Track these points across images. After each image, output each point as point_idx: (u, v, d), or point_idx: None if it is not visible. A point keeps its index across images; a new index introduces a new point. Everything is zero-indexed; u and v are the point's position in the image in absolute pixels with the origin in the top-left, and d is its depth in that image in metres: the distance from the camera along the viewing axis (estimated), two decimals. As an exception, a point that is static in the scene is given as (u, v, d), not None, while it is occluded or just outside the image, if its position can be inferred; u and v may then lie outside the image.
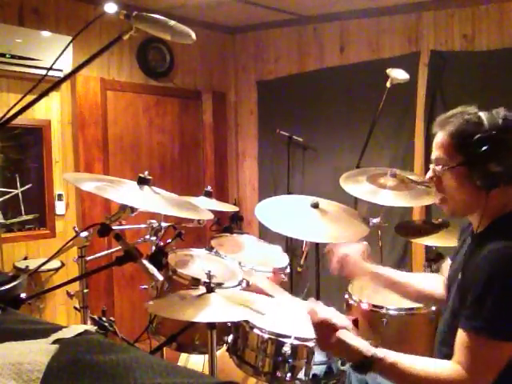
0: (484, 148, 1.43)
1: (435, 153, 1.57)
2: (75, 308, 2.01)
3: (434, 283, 1.89)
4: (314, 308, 1.57)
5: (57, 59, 1.45)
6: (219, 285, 2.18)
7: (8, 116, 1.27)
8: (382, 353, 1.45)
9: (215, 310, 1.84)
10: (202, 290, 1.97)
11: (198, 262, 2.49)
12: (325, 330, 1.52)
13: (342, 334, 1.50)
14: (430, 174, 1.60)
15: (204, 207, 2.30)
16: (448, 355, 1.46)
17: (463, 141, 1.47)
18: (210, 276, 1.96)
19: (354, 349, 1.47)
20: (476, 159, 1.45)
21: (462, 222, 1.77)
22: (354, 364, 1.48)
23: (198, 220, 2.58)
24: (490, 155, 1.43)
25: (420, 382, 1.42)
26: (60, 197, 3.92)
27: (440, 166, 1.55)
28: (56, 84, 1.39)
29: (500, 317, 1.36)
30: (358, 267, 1.93)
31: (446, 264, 1.87)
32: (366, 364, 1.45)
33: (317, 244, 3.24)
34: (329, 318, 1.53)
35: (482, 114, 1.48)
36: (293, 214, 2.41)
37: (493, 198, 1.48)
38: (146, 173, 2.01)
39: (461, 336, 1.40)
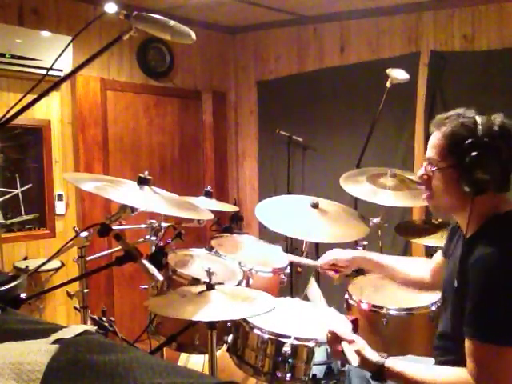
0: (474, 154, 1.41)
1: (428, 152, 1.57)
2: (75, 308, 2.01)
3: (422, 269, 1.94)
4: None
5: (57, 59, 1.45)
6: (219, 284, 2.17)
7: (8, 116, 1.27)
8: (390, 363, 1.50)
9: (216, 307, 1.84)
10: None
11: (197, 262, 2.49)
12: (332, 340, 1.64)
13: (346, 347, 1.58)
14: (421, 171, 1.60)
15: (204, 207, 2.30)
16: (447, 354, 1.46)
17: (455, 144, 1.46)
18: (210, 273, 1.95)
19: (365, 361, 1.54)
20: (465, 164, 1.43)
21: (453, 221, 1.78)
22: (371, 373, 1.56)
23: (198, 220, 2.57)
24: (478, 162, 1.41)
25: None
26: (60, 197, 3.92)
27: (431, 166, 1.55)
28: (56, 84, 1.39)
29: (503, 322, 1.34)
30: (349, 261, 2.10)
31: (438, 255, 1.90)
32: (377, 373, 1.52)
33: (317, 244, 3.24)
34: (335, 330, 1.63)
35: (479, 119, 1.46)
36: (293, 214, 2.41)
37: (479, 204, 1.46)
38: (146, 173, 2.01)
39: (467, 344, 1.38)
